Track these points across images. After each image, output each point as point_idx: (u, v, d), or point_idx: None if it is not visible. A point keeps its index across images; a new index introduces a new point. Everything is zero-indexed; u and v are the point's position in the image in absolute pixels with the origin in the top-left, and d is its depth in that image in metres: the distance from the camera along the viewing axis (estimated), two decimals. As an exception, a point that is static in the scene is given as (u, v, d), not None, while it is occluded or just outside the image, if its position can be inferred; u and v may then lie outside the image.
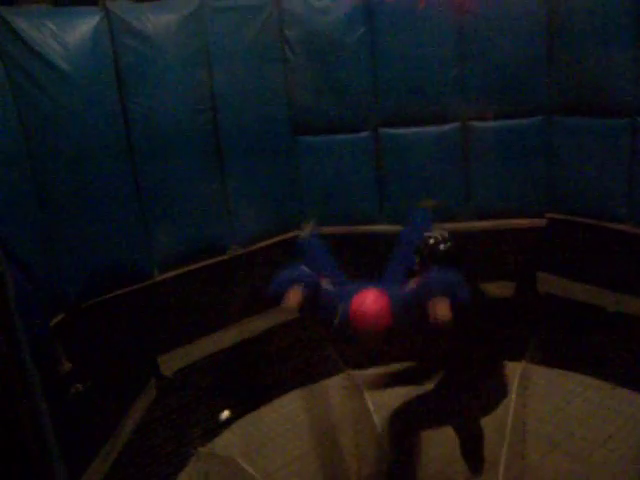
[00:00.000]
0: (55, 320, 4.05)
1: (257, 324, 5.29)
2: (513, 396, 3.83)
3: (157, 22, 4.47)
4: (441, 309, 2.59)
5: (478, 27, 4.92)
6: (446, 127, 5.20)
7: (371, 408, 4.03)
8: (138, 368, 4.56)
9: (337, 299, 3.12)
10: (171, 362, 4.80)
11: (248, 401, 4.38)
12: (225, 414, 4.27)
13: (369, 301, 2.99)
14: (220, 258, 5.05)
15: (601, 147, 4.80)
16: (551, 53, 4.90)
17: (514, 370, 4.00)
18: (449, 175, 5.28)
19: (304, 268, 3.18)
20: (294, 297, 2.94)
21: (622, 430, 3.65)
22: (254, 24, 4.95)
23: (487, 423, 3.55)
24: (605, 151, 4.77)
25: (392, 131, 5.29)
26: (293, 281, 3.04)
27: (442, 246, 3.07)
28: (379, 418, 3.93)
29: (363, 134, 5.33)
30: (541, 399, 3.92)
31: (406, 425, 3.46)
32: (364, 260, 5.57)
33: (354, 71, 5.16)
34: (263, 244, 5.30)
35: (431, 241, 3.10)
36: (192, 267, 4.90)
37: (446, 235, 3.11)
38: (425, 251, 3.10)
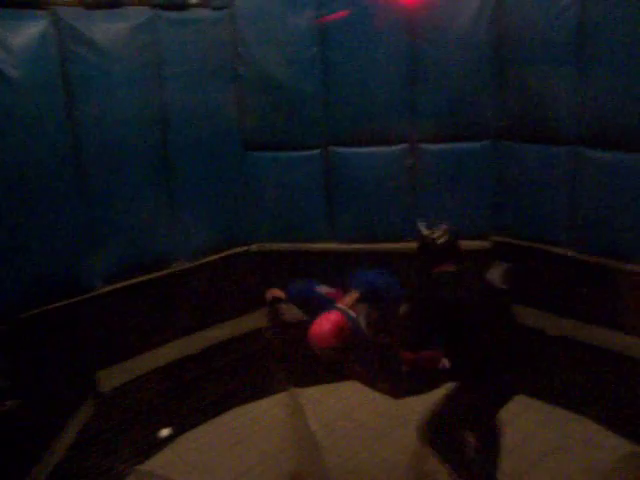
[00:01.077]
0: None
1: (200, 340, 5.23)
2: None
3: (108, 31, 4.40)
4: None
5: (429, 50, 5.03)
6: (395, 148, 5.28)
7: (313, 427, 4.01)
8: (75, 384, 4.41)
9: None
10: (110, 378, 4.68)
11: (189, 418, 4.30)
12: (165, 432, 4.18)
13: (320, 323, 3.13)
14: (165, 272, 4.97)
15: (545, 173, 4.94)
16: (499, 79, 5.05)
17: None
18: (397, 195, 5.34)
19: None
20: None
21: (560, 448, 3.74)
22: (207, 38, 4.94)
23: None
24: (548, 177, 4.92)
25: (342, 150, 5.34)
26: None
27: (441, 239, 3.09)
28: (321, 437, 3.91)
29: (313, 152, 5.36)
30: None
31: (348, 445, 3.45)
32: (312, 277, 5.58)
33: (306, 89, 5.20)
34: (210, 259, 5.25)
35: (428, 234, 3.12)
36: (136, 280, 4.79)
37: (443, 229, 3.13)
38: (422, 243, 3.12)
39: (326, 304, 3.25)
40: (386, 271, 3.42)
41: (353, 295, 3.22)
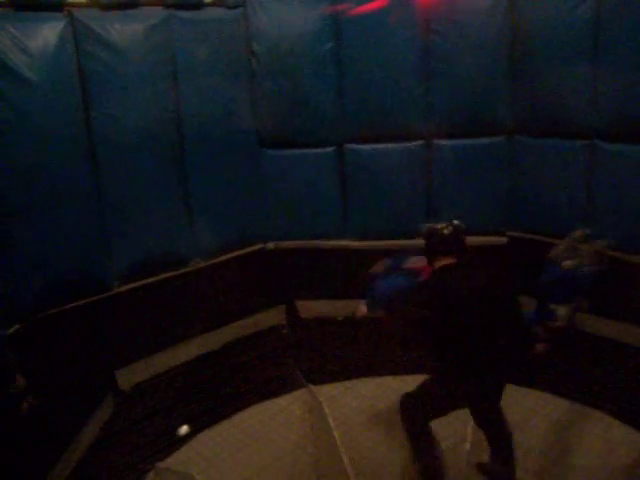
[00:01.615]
0: (9, 331, 3.93)
1: (218, 338, 5.26)
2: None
3: (123, 31, 4.42)
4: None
5: (443, 46, 5.01)
6: (410, 144, 5.27)
7: (332, 424, 4.02)
8: (95, 382, 4.46)
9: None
10: (129, 376, 4.72)
11: (208, 416, 4.32)
12: (184, 429, 4.21)
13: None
14: (182, 271, 4.99)
15: (560, 167, 4.91)
16: (514, 74, 5.01)
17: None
18: (413, 192, 5.34)
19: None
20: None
21: (579, 444, 3.72)
22: (221, 37, 4.94)
23: (447, 438, 3.59)
24: (564, 171, 4.89)
25: (357, 147, 5.34)
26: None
27: (445, 230, 3.10)
28: (340, 434, 3.92)
29: (328, 149, 5.36)
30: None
31: (366, 441, 3.46)
32: (327, 274, 5.61)
33: (320, 86, 5.19)
34: (226, 257, 5.26)
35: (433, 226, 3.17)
36: (153, 279, 4.82)
37: (449, 223, 3.14)
38: (427, 234, 3.15)
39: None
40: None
41: None
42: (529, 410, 4.05)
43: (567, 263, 3.73)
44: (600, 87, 4.57)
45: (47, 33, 4.05)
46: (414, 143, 5.27)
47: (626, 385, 4.30)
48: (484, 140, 5.20)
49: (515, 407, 3.82)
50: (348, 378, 4.64)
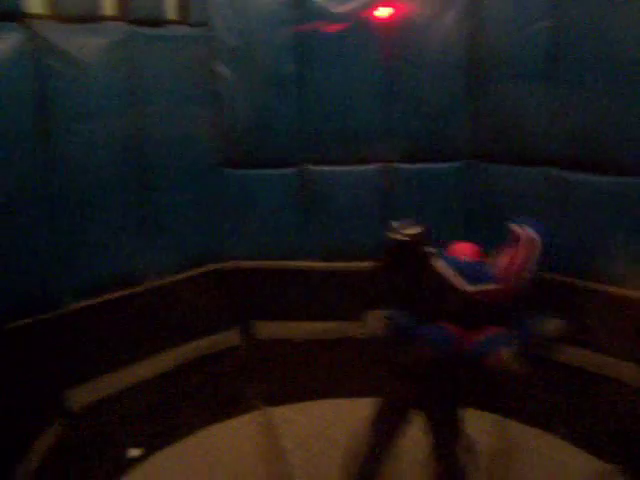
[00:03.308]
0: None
1: (172, 358, 5.16)
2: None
3: (84, 46, 4.38)
4: None
5: (404, 70, 5.12)
6: (370, 167, 5.33)
7: (286, 447, 3.97)
8: (42, 404, 4.31)
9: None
10: (79, 397, 4.59)
11: (159, 438, 4.22)
12: (134, 452, 4.10)
13: None
14: (137, 289, 4.91)
15: (517, 194, 5.01)
16: (473, 100, 5.14)
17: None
18: (372, 214, 5.38)
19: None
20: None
21: (533, 467, 3.78)
22: (185, 55, 4.95)
23: (404, 459, 3.58)
24: (521, 198, 4.99)
25: (318, 168, 5.37)
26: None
27: (399, 235, 3.11)
28: (294, 457, 3.88)
29: (289, 170, 5.38)
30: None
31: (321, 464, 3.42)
32: (285, 295, 5.59)
33: (283, 107, 5.22)
34: (183, 276, 5.20)
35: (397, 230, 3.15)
36: (106, 298, 4.72)
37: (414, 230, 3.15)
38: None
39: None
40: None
41: None
42: (482, 432, 4.07)
43: None
44: (556, 115, 4.72)
45: (3, 45, 3.95)
46: (374, 166, 5.33)
47: (579, 409, 4.37)
48: (443, 165, 5.29)
49: (468, 429, 3.85)
50: (303, 400, 4.61)
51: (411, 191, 5.32)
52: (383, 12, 5.01)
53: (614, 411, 4.32)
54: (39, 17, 4.24)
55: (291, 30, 5.08)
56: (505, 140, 5.04)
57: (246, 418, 4.41)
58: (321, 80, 5.19)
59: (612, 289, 4.59)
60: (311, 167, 5.38)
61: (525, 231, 3.17)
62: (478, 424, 4.09)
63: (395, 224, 3.22)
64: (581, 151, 4.65)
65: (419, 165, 5.30)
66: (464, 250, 3.42)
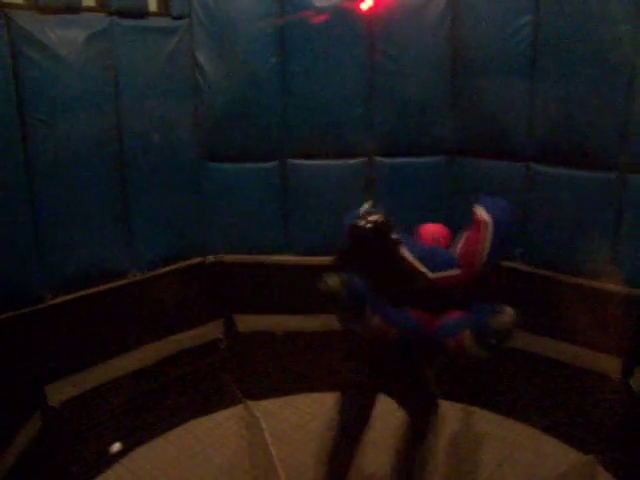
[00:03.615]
0: None
1: (154, 352, 5.14)
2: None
3: (63, 37, 4.32)
4: None
5: (387, 65, 5.12)
6: (352, 161, 5.33)
7: (269, 440, 3.98)
8: (23, 398, 4.27)
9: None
10: (60, 391, 4.55)
11: (141, 433, 4.21)
12: (116, 446, 4.09)
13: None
14: (119, 283, 4.87)
15: (498, 189, 5.04)
16: (455, 94, 5.16)
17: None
18: (354, 209, 5.37)
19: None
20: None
21: (511, 458, 3.82)
22: (166, 47, 4.90)
23: (384, 453, 3.61)
24: (501, 193, 5.01)
25: (299, 162, 5.36)
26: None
27: (363, 222, 3.09)
28: (277, 451, 3.88)
29: (271, 164, 5.37)
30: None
31: (304, 457, 3.43)
32: (266, 289, 5.59)
33: (264, 100, 5.20)
34: (165, 270, 5.17)
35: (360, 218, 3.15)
36: (88, 291, 4.69)
37: (376, 217, 3.15)
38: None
39: None
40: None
41: None
42: (461, 424, 4.13)
43: None
44: (536, 111, 4.77)
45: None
46: (356, 160, 5.33)
47: (556, 400, 4.44)
48: (425, 159, 5.32)
49: (448, 422, 3.90)
50: (286, 394, 4.62)
51: (393, 185, 5.33)
52: (365, 5, 5.01)
53: (591, 402, 4.41)
54: (18, 7, 4.18)
55: (273, 23, 5.05)
56: (487, 135, 5.08)
57: (228, 412, 4.41)
58: (303, 74, 5.17)
59: (592, 283, 4.65)
60: (292, 161, 5.37)
61: (481, 213, 3.20)
62: (457, 417, 4.18)
63: (358, 211, 3.25)
64: (561, 146, 4.71)
65: (401, 159, 5.32)
66: (433, 231, 3.48)
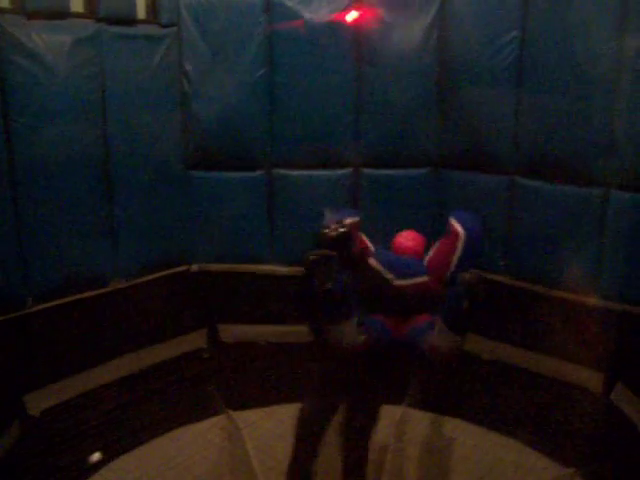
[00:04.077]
0: None
1: (136, 361, 5.10)
2: (392, 440, 3.92)
3: (50, 42, 4.30)
4: None
5: (374, 77, 5.14)
6: (339, 172, 5.34)
7: (251, 451, 3.95)
8: (0, 406, 4.21)
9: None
10: (40, 400, 4.49)
11: (122, 442, 4.16)
12: (95, 457, 4.03)
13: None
14: (101, 291, 4.83)
15: (483, 202, 5.08)
16: (442, 107, 5.19)
17: (393, 414, 4.10)
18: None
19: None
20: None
21: (493, 471, 3.82)
22: (153, 54, 4.89)
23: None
24: (486, 206, 5.06)
25: (285, 172, 5.36)
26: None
27: (329, 230, 3.18)
28: (259, 462, 3.86)
29: (257, 173, 5.36)
30: (418, 443, 4.02)
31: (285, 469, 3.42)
32: (250, 298, 5.57)
33: (251, 110, 5.20)
34: (149, 278, 5.14)
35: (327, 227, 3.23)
36: (70, 299, 4.64)
37: (341, 225, 3.21)
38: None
39: None
40: None
41: None
42: (442, 437, 4.13)
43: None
44: (521, 124, 4.81)
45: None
46: (342, 171, 5.35)
47: (537, 413, 4.46)
48: (410, 171, 5.34)
49: (432, 435, 3.91)
50: (269, 404, 4.59)
51: (378, 197, 5.35)
52: (350, 18, 5.04)
53: (572, 416, 4.42)
54: (4, 11, 4.15)
55: (261, 34, 5.07)
56: (472, 148, 5.11)
57: (210, 422, 4.37)
58: (290, 84, 5.18)
59: (574, 297, 4.69)
60: (278, 171, 5.37)
61: (454, 225, 3.32)
62: (441, 430, 4.19)
63: (327, 219, 3.28)
64: (546, 160, 4.75)
65: (387, 171, 5.34)
66: (408, 238, 3.56)
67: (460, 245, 3.30)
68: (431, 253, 3.47)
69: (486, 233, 3.67)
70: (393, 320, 3.25)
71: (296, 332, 5.41)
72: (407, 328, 3.24)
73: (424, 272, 3.35)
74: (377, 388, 3.34)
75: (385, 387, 3.44)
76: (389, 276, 3.29)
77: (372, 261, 3.38)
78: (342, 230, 3.20)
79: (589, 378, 4.69)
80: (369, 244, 3.60)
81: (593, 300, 4.59)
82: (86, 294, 4.73)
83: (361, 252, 3.38)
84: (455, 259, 3.30)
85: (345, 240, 3.19)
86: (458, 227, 3.35)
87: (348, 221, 3.32)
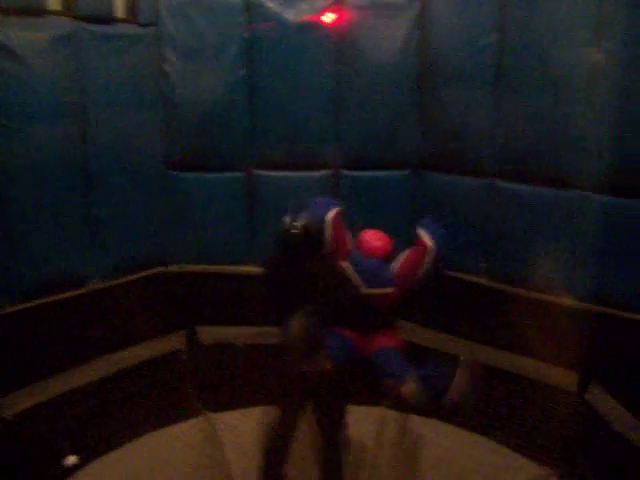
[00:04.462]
0: None
1: (114, 363, 5.05)
2: (369, 441, 3.93)
3: (27, 40, 4.26)
4: None
5: (354, 79, 5.17)
6: (318, 173, 5.35)
7: (229, 454, 3.93)
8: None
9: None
10: (14, 403, 4.42)
11: (98, 445, 4.12)
12: (71, 460, 3.97)
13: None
14: (78, 292, 4.78)
15: (462, 203, 5.11)
16: (421, 110, 5.23)
17: (370, 415, 4.10)
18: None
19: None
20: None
21: (470, 471, 3.84)
22: (133, 55, 4.87)
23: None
24: (465, 207, 5.10)
25: (265, 173, 5.35)
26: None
27: (293, 230, 3.13)
28: (237, 464, 3.85)
29: (237, 174, 5.35)
30: (396, 444, 4.03)
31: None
32: (230, 300, 5.54)
33: (232, 111, 5.19)
34: (127, 279, 5.11)
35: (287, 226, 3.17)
36: (45, 300, 4.59)
37: (301, 223, 3.16)
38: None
39: None
40: None
41: None
42: (419, 437, 4.14)
43: None
44: (499, 127, 4.84)
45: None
46: (322, 172, 5.35)
47: (514, 414, 4.49)
48: (390, 173, 5.36)
49: (410, 435, 3.92)
50: (247, 406, 4.57)
51: (358, 198, 5.36)
52: (328, 19, 5.05)
53: (548, 416, 4.46)
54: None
55: (241, 34, 5.06)
56: (452, 150, 5.14)
57: (188, 424, 4.35)
58: (270, 85, 5.19)
59: (550, 298, 4.73)
60: (258, 172, 5.36)
61: (426, 239, 3.31)
62: (417, 430, 4.20)
63: (289, 216, 3.23)
64: (525, 163, 4.79)
65: (367, 172, 5.36)
66: (375, 237, 3.52)
67: (428, 259, 3.30)
68: (399, 264, 3.42)
69: (451, 244, 3.69)
70: (359, 335, 3.24)
71: (275, 333, 5.41)
72: (372, 347, 3.25)
73: (392, 283, 3.33)
74: (343, 388, 3.32)
75: (351, 387, 3.43)
76: (359, 283, 3.27)
77: (345, 264, 3.33)
78: (294, 232, 3.15)
79: (565, 378, 4.74)
80: (349, 241, 3.54)
81: (568, 301, 4.64)
82: (62, 295, 4.69)
83: (334, 252, 3.33)
84: (422, 273, 3.31)
85: (301, 241, 3.14)
86: (428, 240, 3.35)
87: (303, 222, 3.20)
